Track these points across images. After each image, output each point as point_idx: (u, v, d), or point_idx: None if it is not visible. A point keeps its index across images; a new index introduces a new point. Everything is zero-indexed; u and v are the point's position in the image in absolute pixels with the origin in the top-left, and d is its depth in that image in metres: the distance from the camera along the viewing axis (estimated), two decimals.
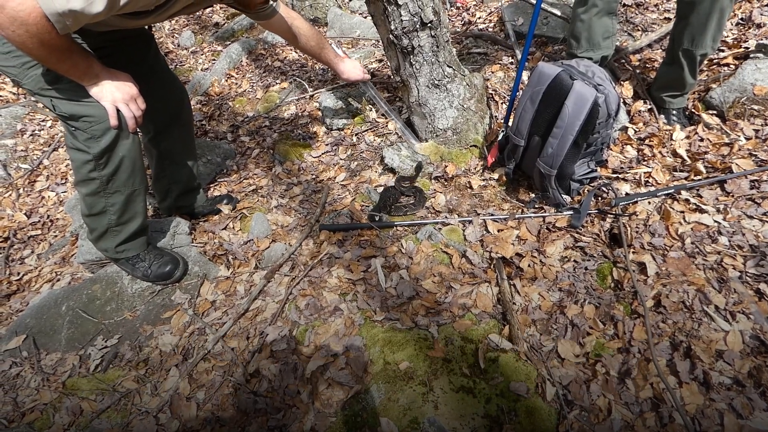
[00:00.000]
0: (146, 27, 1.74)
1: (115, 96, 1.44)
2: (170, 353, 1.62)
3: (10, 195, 2.68)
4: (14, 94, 3.94)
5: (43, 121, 3.52)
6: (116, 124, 1.47)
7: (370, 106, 2.69)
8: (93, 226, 1.71)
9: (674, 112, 2.14)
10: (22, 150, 3.16)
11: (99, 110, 1.44)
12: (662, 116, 2.16)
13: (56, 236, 2.41)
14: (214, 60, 4.05)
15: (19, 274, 2.14)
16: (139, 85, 1.51)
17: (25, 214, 2.51)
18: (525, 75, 2.52)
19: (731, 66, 2.25)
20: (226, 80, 3.61)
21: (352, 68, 2.22)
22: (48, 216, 2.57)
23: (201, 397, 1.47)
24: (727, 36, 2.48)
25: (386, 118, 2.55)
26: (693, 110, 2.17)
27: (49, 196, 2.72)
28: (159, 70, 1.82)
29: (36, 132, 3.35)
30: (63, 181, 2.84)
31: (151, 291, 1.83)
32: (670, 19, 2.76)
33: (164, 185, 2.08)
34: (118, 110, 1.46)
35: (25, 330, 1.74)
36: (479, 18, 3.39)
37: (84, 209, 1.67)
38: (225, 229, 2.11)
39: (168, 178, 2.06)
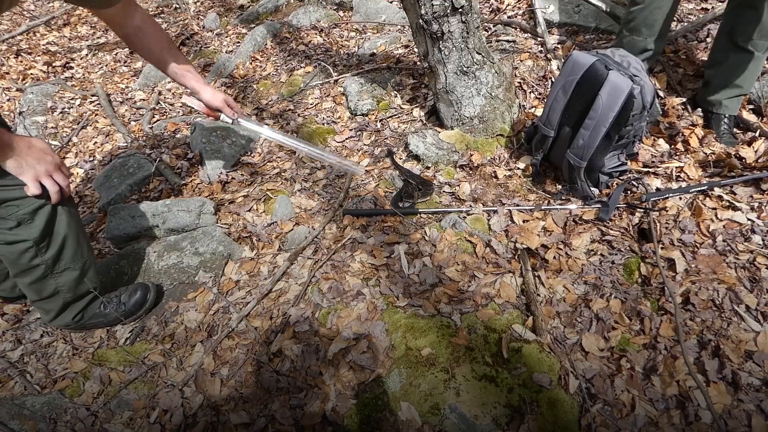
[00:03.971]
0: None
1: (38, 170, 1.24)
2: (195, 329, 1.66)
3: None
4: (45, 72, 4.02)
5: (72, 99, 3.58)
6: (39, 196, 1.27)
7: (395, 92, 2.68)
8: (47, 308, 1.53)
9: (726, 119, 1.97)
10: (52, 127, 3.23)
11: (23, 191, 1.25)
12: (712, 125, 2.01)
13: (84, 212, 2.46)
14: (238, 42, 4.05)
15: None
16: None
17: None
18: (556, 64, 2.47)
19: None
20: (251, 63, 3.61)
21: (214, 94, 1.70)
22: (77, 192, 2.62)
23: (225, 374, 1.50)
24: None
25: (410, 104, 2.54)
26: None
27: (77, 173, 2.78)
28: None
29: (66, 110, 3.41)
30: (91, 159, 2.89)
31: (177, 268, 1.86)
32: (707, 9, 2.67)
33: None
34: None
35: None
36: (508, 5, 3.32)
37: (31, 296, 1.49)
38: (249, 211, 2.13)
39: None
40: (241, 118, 1.75)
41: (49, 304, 1.52)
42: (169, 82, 3.69)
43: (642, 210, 1.73)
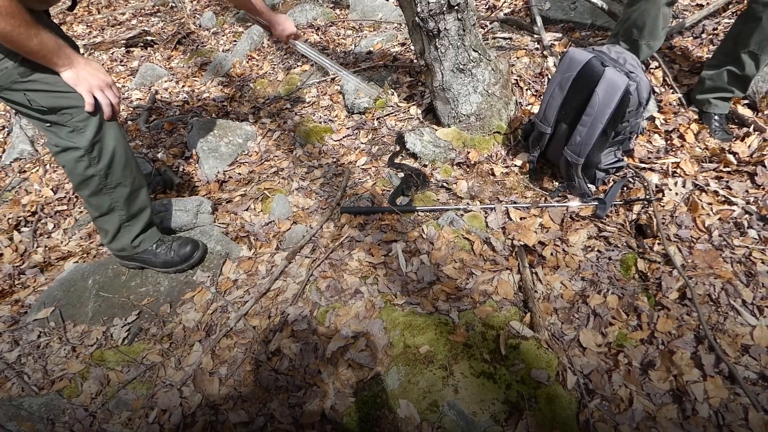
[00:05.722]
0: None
1: (91, 83, 1.39)
2: (193, 329, 1.65)
3: (38, 170, 2.73)
4: None
5: None
6: (92, 110, 1.42)
7: (392, 90, 2.68)
8: (105, 227, 1.67)
9: (716, 117, 2.01)
10: None
11: (79, 101, 1.39)
12: (705, 122, 2.04)
13: (81, 212, 2.45)
14: (235, 41, 4.05)
15: (46, 247, 2.19)
16: None
17: (51, 189, 2.56)
18: (552, 61, 2.47)
19: None
20: (248, 62, 3.61)
21: (286, 21, 2.03)
22: (74, 192, 2.61)
23: (223, 373, 1.50)
24: None
25: (407, 102, 2.54)
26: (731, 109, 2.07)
27: None
28: None
29: None
30: None
31: (175, 267, 1.86)
32: (702, 6, 2.67)
33: None
34: (95, 98, 1.41)
35: (52, 302, 1.79)
36: (504, 2, 3.32)
37: (92, 212, 1.65)
38: (247, 210, 2.13)
39: None
40: (298, 42, 2.14)
41: (107, 223, 1.65)
42: (165, 81, 3.69)
43: (641, 201, 1.74)
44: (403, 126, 2.44)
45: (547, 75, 2.42)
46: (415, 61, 2.80)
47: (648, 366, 1.29)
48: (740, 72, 1.90)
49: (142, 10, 5.05)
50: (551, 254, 1.66)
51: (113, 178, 1.56)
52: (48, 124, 1.43)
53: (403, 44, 3.12)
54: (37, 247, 2.19)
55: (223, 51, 3.95)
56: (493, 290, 1.58)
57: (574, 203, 1.82)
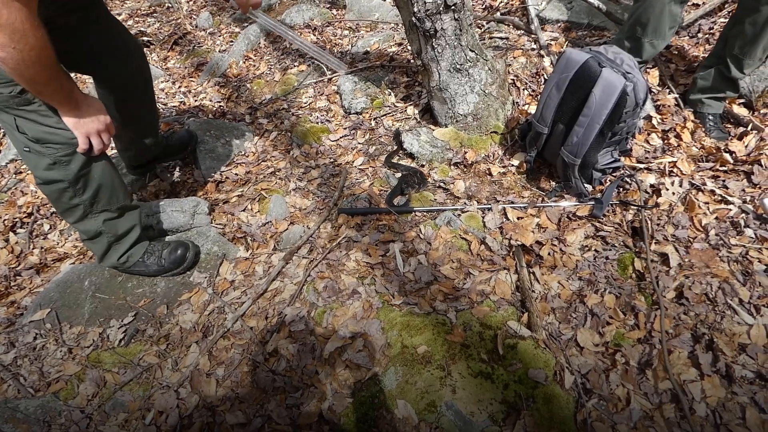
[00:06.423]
0: None
1: (90, 128, 1.40)
2: (190, 330, 1.65)
3: None
4: None
5: None
6: (84, 152, 1.43)
7: (389, 90, 2.67)
8: (94, 249, 1.70)
9: (710, 117, 2.03)
10: None
11: (66, 137, 1.39)
12: (700, 122, 2.06)
13: None
14: (231, 41, 4.04)
15: (42, 249, 2.18)
16: (93, 51, 1.42)
17: None
18: (549, 61, 2.48)
19: None
20: (244, 62, 3.60)
21: None
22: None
23: (220, 374, 1.50)
24: None
25: (404, 102, 2.54)
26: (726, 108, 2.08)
27: None
28: (110, 33, 1.69)
29: None
30: None
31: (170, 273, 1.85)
32: (698, 5, 2.68)
33: (126, 139, 2.09)
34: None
35: (49, 303, 1.78)
36: (501, 2, 3.32)
37: (81, 236, 1.67)
38: (244, 210, 2.13)
39: (130, 131, 2.03)
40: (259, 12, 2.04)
41: (95, 245, 1.67)
42: (161, 82, 3.67)
43: (635, 207, 1.74)
44: (400, 126, 2.44)
45: (543, 75, 2.42)
46: (412, 61, 2.80)
47: (645, 365, 1.29)
48: (727, 74, 1.93)
49: (139, 11, 5.03)
50: (548, 254, 1.66)
51: (98, 206, 1.57)
52: (27, 150, 1.40)
53: (400, 44, 3.12)
54: (33, 249, 2.18)
55: (219, 51, 3.94)
56: (491, 290, 1.58)
57: (571, 203, 1.82)
